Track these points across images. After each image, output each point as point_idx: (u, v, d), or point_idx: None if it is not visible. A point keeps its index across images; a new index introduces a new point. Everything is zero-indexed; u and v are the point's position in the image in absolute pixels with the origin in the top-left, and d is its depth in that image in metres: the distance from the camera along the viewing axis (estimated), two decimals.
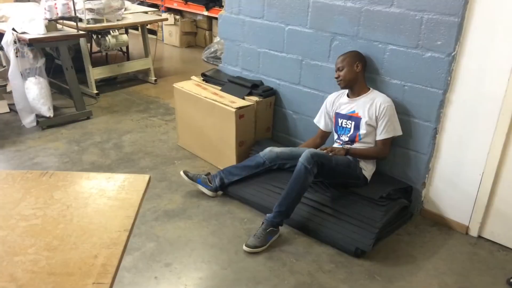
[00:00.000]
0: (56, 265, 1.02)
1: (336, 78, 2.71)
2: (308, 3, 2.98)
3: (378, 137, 2.65)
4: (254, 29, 3.35)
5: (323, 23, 2.94)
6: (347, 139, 2.73)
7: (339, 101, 2.80)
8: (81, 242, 1.08)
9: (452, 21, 2.38)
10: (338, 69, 2.70)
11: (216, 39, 6.03)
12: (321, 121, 2.92)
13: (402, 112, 2.70)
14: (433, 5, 2.42)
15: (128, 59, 5.47)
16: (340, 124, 2.77)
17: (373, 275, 2.34)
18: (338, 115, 2.79)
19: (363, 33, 2.76)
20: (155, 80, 5.09)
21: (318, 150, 2.59)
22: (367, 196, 2.59)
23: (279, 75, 3.30)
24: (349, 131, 2.72)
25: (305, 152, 2.51)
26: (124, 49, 5.47)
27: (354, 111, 2.70)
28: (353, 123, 2.70)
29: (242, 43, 3.47)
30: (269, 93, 3.30)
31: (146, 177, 1.37)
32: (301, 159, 2.49)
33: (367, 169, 2.69)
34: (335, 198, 2.66)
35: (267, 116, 3.36)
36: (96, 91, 4.57)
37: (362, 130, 2.66)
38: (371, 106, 2.64)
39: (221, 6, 5.84)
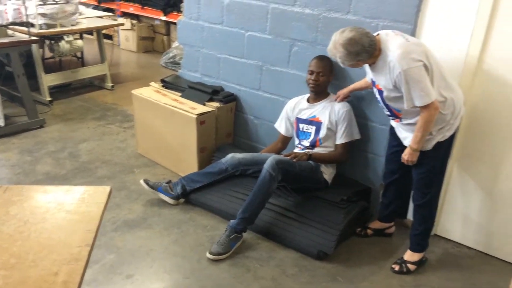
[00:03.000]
0: (14, 284, 0.97)
1: (314, 80, 2.69)
2: (267, 10, 3.01)
3: (338, 141, 2.70)
4: (214, 34, 3.34)
5: (282, 29, 2.97)
6: (308, 143, 2.77)
7: (299, 106, 2.83)
8: (40, 259, 1.04)
9: (406, 28, 2.47)
10: (317, 74, 2.68)
11: (175, 44, 5.97)
12: (282, 126, 2.95)
13: (360, 116, 2.77)
14: (388, 12, 2.51)
15: (83, 64, 5.31)
16: (301, 129, 2.81)
17: (336, 276, 2.38)
18: (299, 120, 2.82)
19: (321, 39, 2.81)
20: (112, 86, 4.97)
21: (282, 157, 2.61)
22: (328, 199, 2.64)
23: (239, 81, 3.31)
24: (310, 135, 2.76)
25: (270, 159, 2.52)
26: (79, 54, 5.31)
27: (314, 116, 2.74)
28: (314, 127, 2.74)
29: (202, 48, 3.45)
30: (230, 98, 3.30)
31: (107, 188, 1.34)
32: (265, 166, 2.50)
33: (328, 172, 2.74)
34: (297, 202, 2.69)
35: (228, 122, 3.36)
36: (49, 99, 4.41)
37: (323, 135, 2.71)
38: (331, 111, 2.69)
39: (179, 11, 5.78)
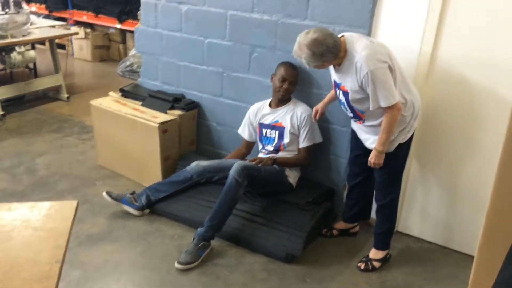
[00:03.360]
0: None
1: (286, 89, 2.71)
2: (226, 17, 3.02)
3: (301, 145, 2.75)
4: (173, 42, 3.32)
5: (241, 36, 3.00)
6: (272, 148, 2.80)
7: (262, 111, 2.86)
8: (9, 279, 1.00)
9: (361, 32, 2.54)
10: (289, 82, 2.71)
11: (132, 52, 5.84)
12: (245, 131, 2.97)
13: (321, 119, 2.83)
14: (343, 18, 2.58)
15: (36, 76, 5.13)
16: (264, 134, 2.84)
17: (304, 278, 2.42)
18: (262, 125, 2.85)
19: (280, 45, 2.86)
20: (68, 97, 4.82)
21: (247, 163, 2.63)
22: (294, 202, 2.68)
23: (201, 88, 3.30)
24: (274, 140, 2.79)
25: (235, 165, 2.53)
26: (31, 65, 5.13)
27: (277, 121, 2.78)
28: (277, 132, 2.78)
29: (161, 56, 3.42)
30: (192, 106, 3.29)
31: (74, 203, 1.31)
32: (231, 172, 2.51)
33: (292, 176, 2.78)
34: (264, 207, 2.72)
35: (191, 129, 3.34)
36: (1, 112, 4.23)
37: (286, 139, 2.75)
38: (293, 116, 2.73)
39: (135, 18, 5.69)
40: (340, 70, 2.24)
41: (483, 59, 2.32)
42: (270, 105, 2.85)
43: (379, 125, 2.24)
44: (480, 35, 2.30)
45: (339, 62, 2.21)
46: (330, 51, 2.13)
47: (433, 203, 2.71)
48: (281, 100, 2.78)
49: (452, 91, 2.46)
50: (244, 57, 3.03)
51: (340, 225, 2.80)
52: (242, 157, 2.95)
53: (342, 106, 2.40)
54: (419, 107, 2.32)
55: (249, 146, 3.00)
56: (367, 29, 2.53)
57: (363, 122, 2.33)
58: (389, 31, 2.51)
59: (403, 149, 2.38)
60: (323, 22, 2.66)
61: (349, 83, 2.21)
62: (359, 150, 2.51)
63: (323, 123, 2.84)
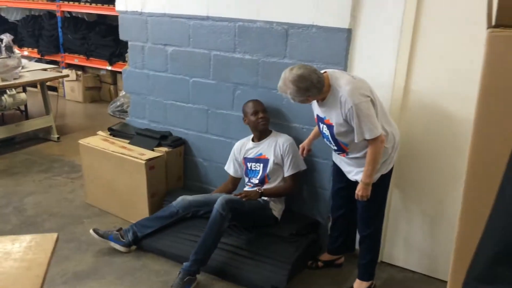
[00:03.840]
0: None
1: (263, 118, 2.81)
2: (210, 57, 3.16)
3: (286, 174, 2.82)
4: (159, 82, 3.44)
5: (225, 75, 3.12)
6: (257, 181, 2.86)
7: (246, 147, 2.94)
8: None
9: (338, 69, 2.68)
10: (262, 112, 2.82)
11: (122, 93, 5.99)
12: (230, 167, 3.04)
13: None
14: (320, 56, 2.72)
15: (27, 117, 5.22)
16: (249, 168, 2.91)
17: None
18: (246, 160, 2.93)
19: (262, 82, 2.98)
20: (58, 138, 4.89)
21: (231, 196, 2.69)
22: (278, 234, 2.72)
23: (187, 125, 3.40)
24: (258, 173, 2.86)
25: (220, 199, 2.58)
26: (23, 107, 5.22)
27: (261, 154, 2.86)
28: (261, 165, 2.85)
29: (148, 96, 3.54)
30: (178, 143, 3.37)
31: (54, 235, 1.36)
32: (216, 206, 2.56)
33: (277, 209, 2.83)
34: (249, 240, 2.75)
35: (178, 166, 3.41)
36: None
37: (270, 170, 2.82)
38: (276, 147, 2.82)
39: (124, 60, 5.86)
40: (324, 105, 2.31)
41: (454, 89, 2.43)
42: (253, 140, 2.93)
43: (362, 157, 2.31)
44: (449, 66, 2.42)
45: (323, 97, 2.29)
46: (315, 86, 2.21)
47: (417, 233, 2.76)
48: (262, 133, 2.87)
49: (428, 121, 2.55)
50: (228, 94, 3.14)
51: (325, 256, 2.83)
52: (229, 192, 3.00)
53: (326, 140, 2.46)
54: (398, 138, 2.41)
55: (235, 182, 3.07)
56: (343, 66, 2.66)
57: (347, 154, 2.39)
58: (363, 68, 2.64)
59: (385, 180, 2.44)
60: (301, 60, 2.78)
61: (334, 117, 2.28)
62: (342, 183, 2.57)
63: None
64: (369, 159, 2.26)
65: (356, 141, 2.24)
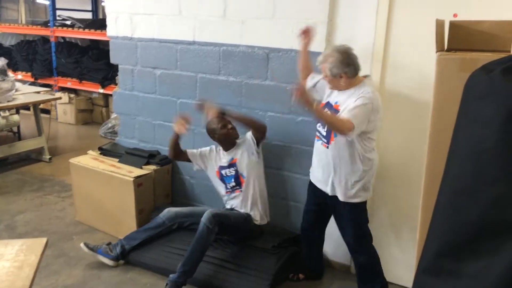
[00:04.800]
0: None
1: (232, 129, 2.93)
2: (196, 79, 3.33)
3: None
4: (148, 103, 3.60)
5: (210, 96, 3.28)
6: (234, 183, 2.96)
7: (220, 155, 3.05)
8: None
9: None
10: (228, 123, 2.93)
11: (114, 115, 6.15)
12: (194, 150, 3.11)
13: (283, 168, 3.07)
14: (299, 78, 2.89)
15: (19, 139, 5.34)
16: (224, 175, 3.00)
17: None
18: (221, 168, 3.02)
19: (245, 103, 3.14)
20: (50, 159, 5.00)
21: (218, 210, 2.81)
22: (261, 247, 2.84)
23: None
24: (233, 176, 2.96)
25: (206, 213, 2.70)
26: (15, 129, 5.34)
27: (232, 158, 2.97)
28: (234, 168, 2.95)
29: (138, 116, 3.68)
30: (166, 161, 3.50)
31: (43, 240, 1.48)
32: (203, 220, 2.67)
33: (259, 219, 2.93)
34: (233, 253, 2.87)
35: (166, 183, 3.53)
36: None
37: (242, 167, 2.91)
38: (244, 145, 2.94)
39: (116, 83, 6.03)
40: (345, 93, 2.37)
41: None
42: (224, 151, 3.03)
43: (342, 157, 2.38)
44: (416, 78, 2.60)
45: (349, 87, 2.35)
46: (354, 67, 2.30)
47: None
48: (232, 143, 2.98)
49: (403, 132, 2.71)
50: None
51: (304, 270, 2.92)
52: (178, 148, 3.08)
53: (320, 125, 2.50)
54: (376, 165, 2.50)
55: (184, 155, 3.11)
56: None
57: (328, 146, 2.42)
58: None
59: (363, 209, 2.51)
60: (281, 82, 2.97)
61: (345, 104, 2.33)
62: (315, 205, 2.68)
63: (284, 172, 3.07)
64: (334, 116, 2.30)
65: (340, 114, 2.29)
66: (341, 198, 2.45)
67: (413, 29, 2.56)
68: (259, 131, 2.90)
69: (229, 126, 2.95)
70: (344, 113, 2.28)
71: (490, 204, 1.05)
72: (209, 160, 3.09)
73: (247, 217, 2.90)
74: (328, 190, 2.51)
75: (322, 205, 2.62)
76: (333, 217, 2.67)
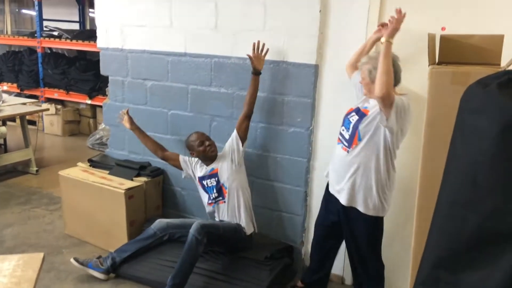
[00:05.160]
0: None
1: (210, 145, 2.94)
2: (187, 90, 3.34)
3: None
4: (139, 114, 3.58)
5: (202, 107, 3.30)
6: (216, 194, 2.95)
7: (197, 166, 3.07)
8: None
9: (307, 102, 2.89)
10: (207, 139, 2.97)
11: (101, 126, 6.11)
12: (185, 159, 3.13)
13: (276, 179, 3.08)
14: (290, 90, 2.93)
15: (5, 151, 5.26)
16: (206, 185, 2.99)
17: None
18: (201, 179, 3.01)
19: (237, 114, 3.15)
20: (37, 171, 4.94)
21: (206, 221, 2.80)
22: (253, 258, 2.83)
23: None
24: (214, 187, 2.95)
25: (195, 224, 2.69)
26: (1, 141, 5.27)
27: (213, 169, 2.97)
28: (215, 178, 2.94)
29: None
30: (157, 173, 3.49)
31: (40, 255, 1.46)
32: (191, 231, 2.66)
33: (246, 228, 2.90)
34: (225, 264, 2.86)
35: (157, 195, 3.51)
36: None
37: (225, 177, 2.91)
38: (227, 155, 2.94)
39: (104, 94, 6.00)
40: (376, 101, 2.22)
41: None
42: (205, 165, 3.04)
43: (362, 164, 2.26)
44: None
45: None
46: (394, 76, 2.15)
47: None
48: (211, 159, 2.98)
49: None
50: (205, 126, 3.30)
51: (301, 284, 2.89)
52: (157, 147, 3.22)
53: (343, 129, 2.40)
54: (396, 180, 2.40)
55: (173, 156, 3.17)
56: (312, 98, 2.87)
57: (348, 151, 2.31)
58: (330, 99, 2.86)
59: (380, 223, 2.41)
60: (274, 93, 2.99)
61: (376, 108, 2.20)
62: (326, 218, 2.59)
63: (277, 183, 3.09)
64: (390, 69, 2.09)
65: (380, 122, 2.17)
66: (360, 209, 2.32)
67: (403, 41, 2.60)
68: (250, 113, 2.92)
69: (207, 143, 2.95)
70: (376, 84, 2.08)
71: (487, 215, 1.07)
72: (194, 170, 3.09)
73: (237, 227, 2.89)
74: (343, 200, 2.37)
75: (335, 217, 2.49)
76: None
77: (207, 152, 2.94)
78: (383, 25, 2.37)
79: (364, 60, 2.30)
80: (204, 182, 3.01)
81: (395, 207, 2.78)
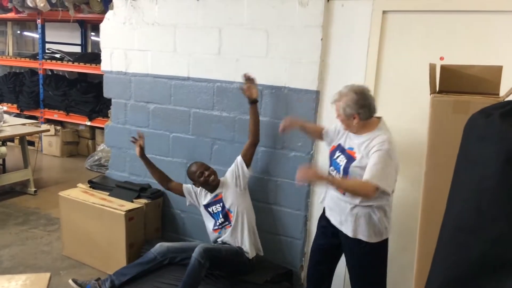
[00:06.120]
0: None
1: (208, 175, 2.96)
2: (189, 114, 3.38)
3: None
4: None
5: (203, 130, 3.34)
6: (222, 219, 2.97)
7: (202, 194, 3.09)
8: None
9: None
10: (206, 169, 2.99)
11: (100, 147, 6.12)
12: (189, 188, 3.16)
13: (276, 203, 3.10)
14: (292, 114, 2.95)
15: (4, 171, 5.26)
16: (212, 212, 3.02)
17: None
18: (206, 206, 3.04)
19: (238, 138, 3.20)
20: (35, 191, 4.93)
21: (209, 245, 2.81)
22: (253, 282, 2.83)
23: None
24: (220, 212, 2.98)
25: (198, 248, 2.69)
26: (0, 161, 5.27)
27: (217, 195, 3.01)
28: (220, 204, 2.98)
29: (129, 150, 3.69)
30: (157, 195, 3.50)
31: (47, 275, 1.47)
32: (194, 255, 2.66)
33: (250, 251, 2.91)
34: (225, 287, 2.84)
35: (156, 217, 3.52)
36: None
37: (231, 202, 2.94)
38: (230, 182, 2.99)
39: (104, 116, 6.03)
40: (360, 138, 2.27)
41: (412, 148, 2.70)
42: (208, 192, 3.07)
43: (359, 204, 2.24)
44: (406, 126, 2.70)
45: (365, 132, 2.26)
46: (368, 110, 2.20)
47: None
48: (213, 186, 3.01)
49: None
50: (206, 149, 3.34)
51: None
52: (164, 177, 3.21)
53: (333, 169, 2.38)
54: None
55: (177, 187, 3.19)
56: (312, 118, 2.91)
57: (345, 193, 2.29)
58: (330, 125, 2.89)
59: (385, 246, 2.36)
60: (274, 117, 3.04)
61: (363, 153, 2.22)
62: (322, 244, 2.54)
63: (277, 207, 3.10)
64: (353, 183, 2.18)
65: (363, 178, 2.14)
66: (363, 238, 2.29)
67: (402, 70, 2.68)
68: (256, 142, 2.96)
69: (206, 173, 2.98)
70: (367, 172, 2.15)
71: (491, 242, 1.10)
72: (199, 197, 3.12)
73: (238, 250, 2.90)
74: (344, 229, 2.34)
75: (332, 242, 2.47)
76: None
77: (208, 182, 2.98)
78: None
79: (336, 98, 2.29)
80: (210, 209, 3.03)
81: (396, 234, 2.80)
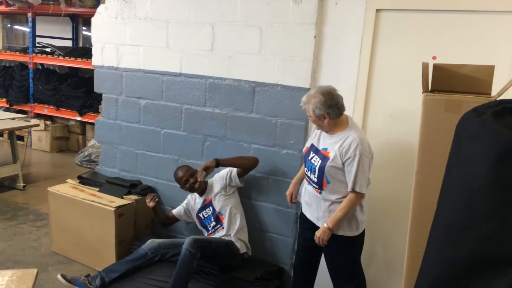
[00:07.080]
0: None
1: (193, 182, 2.98)
2: (181, 110, 3.36)
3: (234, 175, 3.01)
4: (131, 132, 3.59)
5: (195, 127, 3.32)
6: (214, 223, 3.00)
7: (195, 200, 3.12)
8: None
9: (300, 124, 2.93)
10: (191, 176, 3.00)
11: (90, 143, 6.08)
12: (177, 209, 3.20)
13: (268, 201, 3.09)
14: (284, 112, 2.97)
15: None
16: (203, 217, 3.07)
17: None
18: (198, 211, 3.08)
19: (230, 135, 3.18)
20: (24, 186, 4.88)
21: (199, 236, 2.81)
22: (244, 279, 2.82)
23: (157, 174, 3.53)
24: (211, 216, 3.01)
25: (188, 238, 2.69)
26: None
27: (205, 199, 3.05)
28: (210, 207, 3.02)
29: (120, 145, 3.67)
30: (148, 191, 3.47)
31: (34, 270, 1.45)
32: (184, 246, 2.65)
33: (242, 247, 2.93)
34: (216, 284, 2.83)
35: (146, 214, 3.48)
36: None
37: (221, 205, 2.98)
38: (216, 185, 3.02)
39: (95, 111, 5.99)
40: (332, 138, 2.35)
41: (405, 146, 2.71)
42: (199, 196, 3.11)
43: (335, 201, 2.34)
44: (400, 122, 2.71)
45: (337, 130, 2.34)
46: (337, 108, 2.27)
47: None
48: (201, 191, 3.05)
49: (385, 169, 2.79)
50: (198, 145, 3.32)
51: None
52: (162, 218, 3.25)
53: (308, 171, 2.45)
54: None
55: (172, 218, 3.23)
56: (305, 121, 2.91)
57: (321, 192, 2.38)
58: None
59: (362, 238, 2.47)
60: (266, 115, 3.03)
61: (336, 152, 2.29)
62: (305, 240, 2.60)
63: (269, 204, 3.10)
64: (344, 206, 2.30)
65: (349, 189, 2.28)
66: (340, 233, 2.38)
67: (395, 68, 2.68)
68: (250, 169, 2.99)
69: (191, 180, 2.99)
70: (349, 182, 2.28)
71: (482, 241, 1.10)
72: (192, 210, 3.15)
73: (229, 242, 2.89)
74: (321, 224, 2.41)
75: (313, 239, 2.48)
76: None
77: (193, 189, 3.02)
78: None
79: (305, 100, 2.35)
80: (201, 215, 3.06)
81: (385, 232, 2.81)
